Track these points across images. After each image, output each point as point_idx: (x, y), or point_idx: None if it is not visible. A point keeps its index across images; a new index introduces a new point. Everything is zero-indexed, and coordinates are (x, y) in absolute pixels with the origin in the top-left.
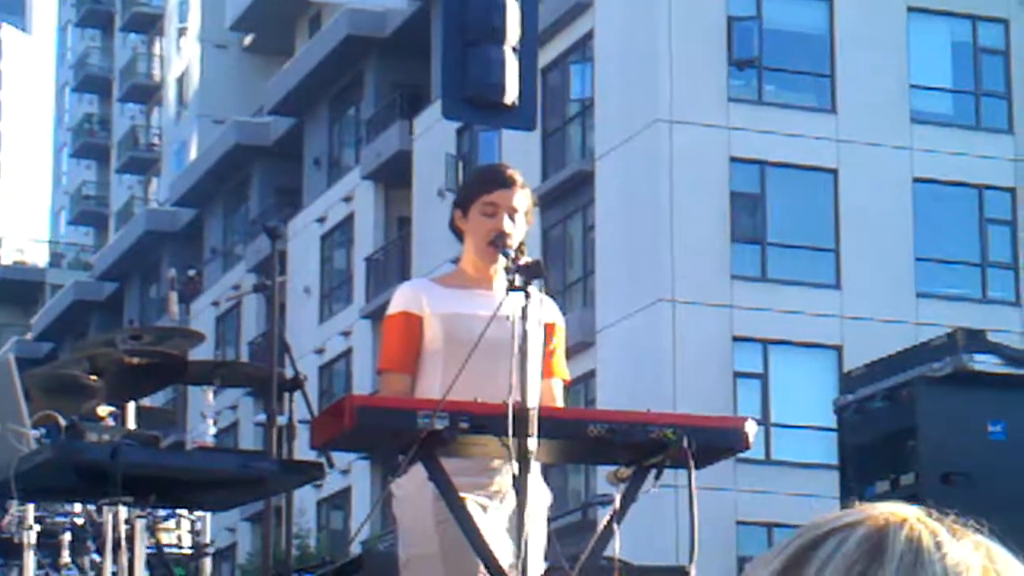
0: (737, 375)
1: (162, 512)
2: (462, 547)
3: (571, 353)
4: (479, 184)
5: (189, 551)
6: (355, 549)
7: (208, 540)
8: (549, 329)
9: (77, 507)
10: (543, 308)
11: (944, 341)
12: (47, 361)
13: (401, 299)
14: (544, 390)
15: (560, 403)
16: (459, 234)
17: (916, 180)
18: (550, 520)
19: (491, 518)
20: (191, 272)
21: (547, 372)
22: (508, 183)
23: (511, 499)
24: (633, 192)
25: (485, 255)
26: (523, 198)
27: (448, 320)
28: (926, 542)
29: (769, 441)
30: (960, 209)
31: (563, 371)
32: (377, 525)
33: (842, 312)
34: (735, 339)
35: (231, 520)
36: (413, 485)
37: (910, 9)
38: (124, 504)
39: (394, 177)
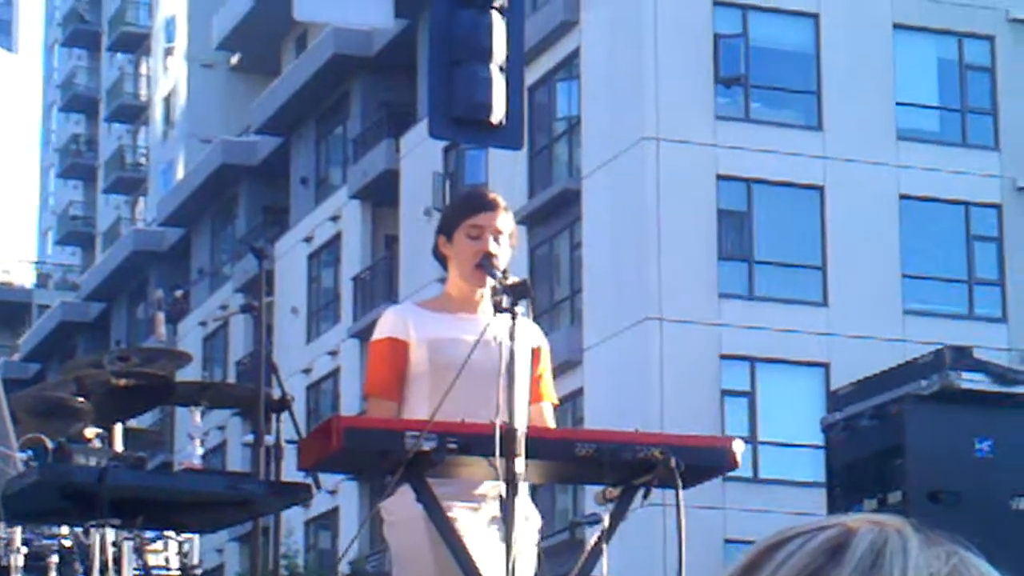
0: (724, 393)
1: (149, 534)
2: (456, 569)
3: (558, 372)
4: (463, 208)
5: (177, 573)
6: (343, 569)
7: (196, 561)
8: (535, 353)
9: (64, 529)
10: (529, 331)
11: (931, 359)
12: (34, 382)
13: (386, 324)
14: (535, 414)
15: (552, 426)
16: (443, 260)
17: (902, 197)
18: (538, 540)
19: (480, 539)
20: (178, 292)
21: (536, 396)
22: (492, 206)
23: (499, 520)
24: (620, 210)
25: (472, 278)
26: (507, 221)
27: (434, 345)
28: (891, 546)
29: (757, 459)
30: (946, 226)
31: (551, 395)
32: (365, 545)
33: (829, 330)
34: (722, 357)
35: (219, 541)
36: (404, 508)
37: (896, 26)
38: (112, 526)
39: (381, 196)
